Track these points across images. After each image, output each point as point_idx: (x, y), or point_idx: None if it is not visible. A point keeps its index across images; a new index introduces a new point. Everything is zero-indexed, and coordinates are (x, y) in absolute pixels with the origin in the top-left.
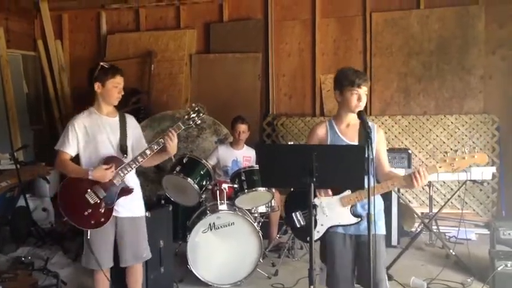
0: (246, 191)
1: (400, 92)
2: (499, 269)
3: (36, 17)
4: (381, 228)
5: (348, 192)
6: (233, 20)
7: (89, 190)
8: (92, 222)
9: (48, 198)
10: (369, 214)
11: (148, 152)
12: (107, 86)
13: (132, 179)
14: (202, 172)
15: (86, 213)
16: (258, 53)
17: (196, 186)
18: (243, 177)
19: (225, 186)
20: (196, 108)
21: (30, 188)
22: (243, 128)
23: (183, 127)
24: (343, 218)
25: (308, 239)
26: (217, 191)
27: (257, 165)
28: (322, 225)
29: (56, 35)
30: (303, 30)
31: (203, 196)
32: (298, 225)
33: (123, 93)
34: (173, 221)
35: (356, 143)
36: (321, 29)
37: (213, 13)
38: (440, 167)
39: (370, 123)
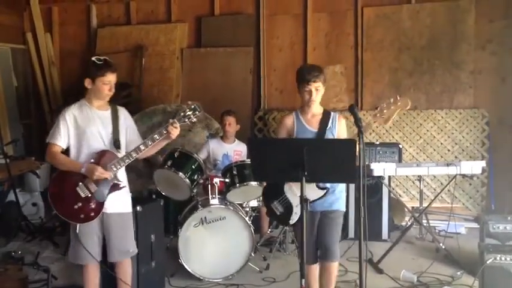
0: (237, 185)
1: (391, 87)
2: (488, 262)
3: (25, 9)
4: (342, 206)
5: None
6: (224, 14)
7: (80, 183)
8: (82, 216)
9: (38, 193)
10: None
11: (142, 147)
12: (97, 83)
13: (121, 174)
14: (193, 166)
15: (76, 206)
16: (249, 47)
17: (187, 180)
18: (234, 172)
19: (216, 180)
20: (193, 106)
21: (20, 183)
22: (230, 119)
23: (178, 124)
24: (311, 193)
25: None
26: (209, 186)
27: (249, 160)
28: (297, 206)
29: (46, 28)
30: (295, 24)
31: (194, 190)
32: (278, 213)
33: (114, 90)
34: (164, 216)
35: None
36: (313, 23)
37: (204, 7)
38: (374, 122)
39: (332, 113)
